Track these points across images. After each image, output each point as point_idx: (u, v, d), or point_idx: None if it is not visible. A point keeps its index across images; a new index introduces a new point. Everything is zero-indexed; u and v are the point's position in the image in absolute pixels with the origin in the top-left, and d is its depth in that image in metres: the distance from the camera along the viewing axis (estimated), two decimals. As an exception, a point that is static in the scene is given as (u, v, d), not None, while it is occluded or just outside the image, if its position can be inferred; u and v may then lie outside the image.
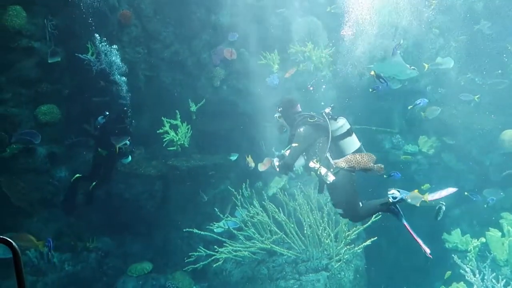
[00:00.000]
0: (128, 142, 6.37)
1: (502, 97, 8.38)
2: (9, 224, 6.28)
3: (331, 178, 4.23)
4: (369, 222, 6.25)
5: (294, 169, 4.40)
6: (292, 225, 6.33)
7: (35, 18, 6.53)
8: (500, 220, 7.42)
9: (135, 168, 7.46)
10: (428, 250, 4.42)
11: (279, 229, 6.34)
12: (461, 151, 8.56)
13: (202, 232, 6.63)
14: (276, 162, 4.50)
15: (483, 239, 7.16)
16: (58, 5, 6.71)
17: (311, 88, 4.46)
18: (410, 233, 4.52)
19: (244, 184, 7.08)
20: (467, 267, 6.32)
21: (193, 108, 7.81)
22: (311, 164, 4.31)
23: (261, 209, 6.58)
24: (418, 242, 4.49)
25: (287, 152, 4.40)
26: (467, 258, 6.90)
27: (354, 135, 4.52)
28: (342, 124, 4.41)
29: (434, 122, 8.47)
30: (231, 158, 7.49)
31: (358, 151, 4.48)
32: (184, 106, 7.76)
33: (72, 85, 7.07)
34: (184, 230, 6.84)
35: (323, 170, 4.25)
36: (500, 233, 7.11)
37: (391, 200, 4.43)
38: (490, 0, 8.69)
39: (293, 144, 4.29)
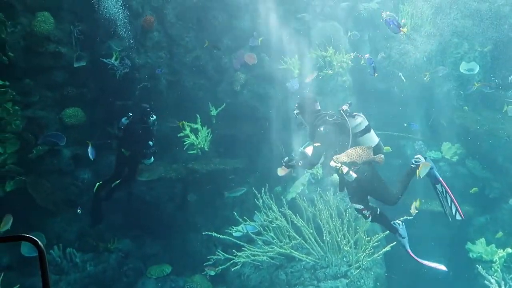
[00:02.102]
0: (151, 143, 6.47)
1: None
2: (35, 224, 6.46)
3: (353, 175, 4.23)
4: (388, 231, 6.14)
5: (315, 166, 4.47)
6: (311, 231, 6.28)
7: (62, 24, 6.73)
8: (527, 230, 7.19)
9: (155, 170, 7.55)
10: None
11: (298, 235, 6.30)
12: (485, 159, 8.34)
13: (221, 236, 6.66)
14: (298, 162, 4.53)
15: (509, 250, 6.94)
16: (84, 11, 6.91)
17: (346, 107, 4.50)
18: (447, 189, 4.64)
19: (263, 188, 7.08)
20: (492, 278, 6.14)
21: (214, 112, 7.87)
22: (332, 163, 4.31)
23: (280, 214, 6.56)
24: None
25: (307, 150, 4.42)
26: (492, 269, 6.69)
27: (372, 131, 4.54)
28: (361, 121, 4.43)
29: (457, 129, 8.30)
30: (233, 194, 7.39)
31: (378, 147, 4.52)
32: (204, 110, 7.83)
33: (96, 89, 7.25)
34: (203, 233, 6.88)
35: (344, 169, 4.24)
36: (527, 244, 6.89)
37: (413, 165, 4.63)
38: (518, 4, 8.48)
39: (315, 144, 4.31)
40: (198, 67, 8.08)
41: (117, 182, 6.51)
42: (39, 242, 1.44)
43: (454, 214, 4.68)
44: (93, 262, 6.92)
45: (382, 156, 4.44)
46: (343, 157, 4.26)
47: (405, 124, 8.11)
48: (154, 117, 6.47)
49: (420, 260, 4.86)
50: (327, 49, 7.95)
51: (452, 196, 4.67)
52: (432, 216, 7.75)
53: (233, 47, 8.22)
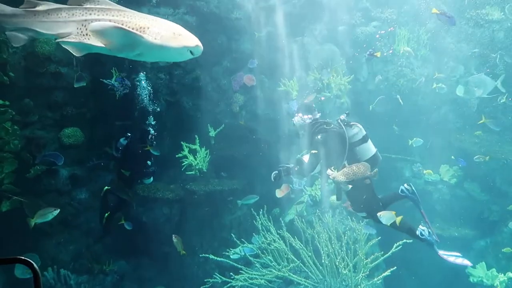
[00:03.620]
0: (149, 163, 6.46)
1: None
2: (30, 245, 6.36)
3: (349, 185, 4.26)
4: (389, 253, 6.08)
5: (311, 174, 4.50)
6: (310, 254, 6.20)
7: (64, 45, 6.80)
8: (528, 254, 7.12)
9: (153, 191, 7.51)
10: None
11: (296, 257, 6.22)
12: (484, 181, 8.34)
13: (218, 258, 6.57)
14: (294, 167, 4.56)
15: (510, 274, 6.85)
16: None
17: (343, 117, 4.61)
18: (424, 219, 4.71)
19: (261, 210, 7.03)
20: (493, 303, 6.04)
21: (212, 133, 7.89)
22: (329, 172, 4.33)
23: (278, 236, 6.49)
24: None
25: (305, 158, 4.44)
26: (493, 293, 6.61)
27: (370, 141, 4.57)
28: (358, 130, 4.46)
29: (455, 151, 8.32)
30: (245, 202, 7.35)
31: (374, 157, 4.55)
32: (203, 131, 7.85)
33: (96, 109, 7.27)
34: (201, 255, 6.79)
35: (339, 177, 4.29)
36: (528, 268, 6.81)
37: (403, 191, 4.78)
38: (511, 29, 8.65)
39: (312, 151, 4.33)
40: (197, 88, 8.15)
41: (106, 215, 6.37)
42: (34, 265, 1.42)
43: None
44: (88, 284, 6.79)
45: (376, 170, 4.47)
46: (340, 175, 4.29)
47: (452, 157, 7.98)
48: (152, 131, 6.50)
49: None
50: (327, 71, 8.04)
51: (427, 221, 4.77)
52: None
53: (232, 69, 8.32)
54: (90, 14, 3.14)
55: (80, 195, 7.06)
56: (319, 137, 4.41)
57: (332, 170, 4.33)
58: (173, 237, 6.08)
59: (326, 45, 8.56)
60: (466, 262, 4.79)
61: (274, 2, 8.32)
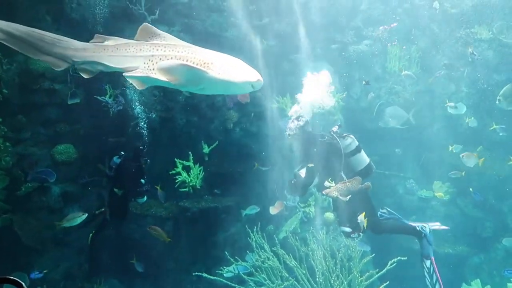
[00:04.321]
0: (143, 181, 6.42)
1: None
2: (20, 263, 6.25)
3: (345, 197, 4.27)
4: (383, 270, 6.05)
5: (310, 187, 4.50)
6: (304, 272, 6.15)
7: (58, 62, 6.82)
8: (522, 271, 7.11)
9: (146, 209, 7.45)
10: None
11: (291, 275, 6.15)
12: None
13: (211, 277, 6.48)
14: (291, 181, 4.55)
15: (505, 291, 6.84)
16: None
17: (336, 129, 4.66)
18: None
19: (255, 227, 6.98)
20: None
21: (206, 149, 7.88)
22: (326, 184, 4.34)
23: (272, 253, 6.43)
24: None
25: (301, 172, 4.43)
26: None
27: (363, 152, 4.61)
28: (351, 141, 4.51)
29: (448, 167, 8.38)
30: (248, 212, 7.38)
31: (368, 167, 4.58)
32: (197, 148, 7.84)
33: (89, 126, 7.26)
34: (194, 273, 6.69)
35: (332, 192, 4.30)
36: (522, 285, 6.79)
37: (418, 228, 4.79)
38: (499, 47, 8.84)
39: (309, 165, 4.34)
40: (191, 105, 8.18)
41: (93, 232, 6.33)
42: (24, 285, 1.41)
43: None
44: (78, 304, 6.66)
45: (369, 183, 4.49)
46: (333, 191, 4.31)
47: (470, 189, 8.06)
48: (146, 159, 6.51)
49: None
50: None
51: (438, 275, 4.73)
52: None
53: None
54: (157, 49, 3.26)
55: (71, 212, 6.97)
56: (314, 150, 4.44)
57: (329, 182, 4.35)
58: (149, 229, 6.00)
59: (319, 62, 8.67)
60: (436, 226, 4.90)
61: (267, 21, 8.45)
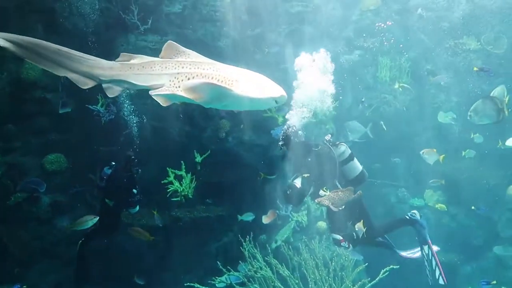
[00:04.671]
0: (135, 191, 6.36)
1: (506, 153, 8.40)
2: (8, 275, 6.14)
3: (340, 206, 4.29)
4: (376, 279, 6.05)
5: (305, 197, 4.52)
6: (297, 281, 6.12)
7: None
8: (513, 279, 7.17)
9: (137, 219, 7.38)
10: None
11: (283, 285, 6.12)
12: (468, 206, 8.45)
13: (203, 287, 6.42)
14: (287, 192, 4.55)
15: (497, 299, 6.87)
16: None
17: (328, 138, 4.69)
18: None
19: (248, 236, 6.96)
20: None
21: (198, 159, 7.85)
22: (321, 193, 4.34)
23: (264, 263, 6.40)
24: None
25: (296, 182, 4.42)
26: (481, 319, 6.58)
27: (355, 159, 4.63)
28: (344, 149, 4.54)
29: (439, 176, 8.44)
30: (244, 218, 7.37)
31: (361, 174, 4.60)
32: (189, 157, 7.81)
33: (81, 135, 7.20)
34: (186, 284, 6.63)
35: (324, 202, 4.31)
36: (513, 293, 6.83)
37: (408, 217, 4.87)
38: (487, 58, 9.00)
39: (304, 175, 4.34)
40: (183, 114, 8.17)
41: (80, 242, 6.19)
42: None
43: (437, 277, 4.79)
44: (67, 317, 6.54)
45: (360, 192, 4.52)
46: (325, 200, 4.31)
47: (473, 207, 8.09)
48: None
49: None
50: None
51: (438, 260, 4.77)
52: (420, 264, 7.68)
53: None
54: (182, 67, 3.30)
55: (61, 223, 6.88)
56: (309, 160, 4.45)
57: (324, 191, 4.35)
58: (130, 231, 5.95)
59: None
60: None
61: (259, 31, 8.51)
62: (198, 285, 6.42)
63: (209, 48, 8.21)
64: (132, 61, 3.39)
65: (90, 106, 7.02)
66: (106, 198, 6.26)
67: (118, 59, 3.40)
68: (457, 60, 9.07)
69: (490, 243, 7.95)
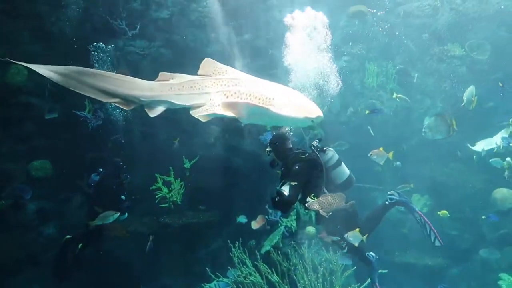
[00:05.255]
0: (123, 197, 6.30)
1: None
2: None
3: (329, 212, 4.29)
4: (365, 284, 6.08)
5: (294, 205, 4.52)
6: (286, 287, 6.11)
7: (36, 76, 6.70)
8: (498, 282, 7.26)
9: (126, 225, 7.29)
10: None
11: (273, 290, 6.11)
12: (454, 210, 8.55)
13: (192, 294, 6.38)
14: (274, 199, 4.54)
15: (483, 302, 6.96)
16: (59, 65, 6.94)
17: (316, 143, 4.71)
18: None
19: (237, 242, 6.93)
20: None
21: (187, 164, 7.83)
22: (309, 199, 4.34)
23: (253, 269, 6.38)
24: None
25: (284, 190, 4.39)
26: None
27: (343, 164, 4.65)
28: (332, 154, 4.55)
29: (426, 180, 8.54)
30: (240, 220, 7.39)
31: (349, 179, 4.61)
32: (178, 163, 7.78)
33: (67, 141, 7.13)
34: (174, 291, 6.58)
35: (314, 206, 4.31)
36: (499, 295, 6.93)
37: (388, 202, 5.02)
38: (472, 64, 9.18)
39: (292, 183, 4.31)
40: (172, 120, 8.14)
41: (81, 245, 6.13)
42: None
43: (433, 241, 4.93)
44: (54, 326, 6.42)
45: (353, 202, 4.51)
46: (315, 205, 4.31)
47: (483, 217, 8.11)
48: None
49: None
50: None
51: (430, 224, 4.94)
52: (407, 268, 7.76)
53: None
54: (221, 85, 3.38)
55: (48, 230, 6.79)
56: (296, 167, 4.42)
57: (311, 198, 4.34)
58: (107, 227, 5.93)
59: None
60: None
61: (248, 37, 8.56)
62: (187, 292, 6.38)
63: (198, 54, 8.22)
64: (171, 81, 3.45)
65: (77, 112, 6.96)
66: (95, 205, 6.19)
67: (158, 78, 3.47)
68: (442, 67, 9.23)
69: (477, 246, 8.06)
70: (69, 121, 7.02)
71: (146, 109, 3.47)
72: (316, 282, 6.06)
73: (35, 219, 6.64)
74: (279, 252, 6.67)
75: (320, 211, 4.31)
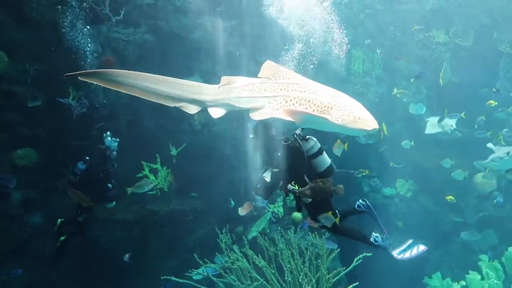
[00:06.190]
0: (110, 186, 6.28)
1: (468, 141, 8.74)
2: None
3: (309, 199, 4.36)
4: (350, 267, 6.21)
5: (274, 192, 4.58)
6: (273, 271, 6.21)
7: (17, 63, 6.58)
8: (478, 263, 7.49)
9: (112, 213, 7.29)
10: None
11: (260, 275, 6.20)
12: (437, 195, 8.75)
13: (180, 280, 6.43)
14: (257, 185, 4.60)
15: (463, 282, 7.17)
16: (41, 51, 6.81)
17: (299, 132, 4.75)
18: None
19: (224, 228, 7.00)
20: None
21: (174, 152, 7.82)
22: (290, 187, 4.41)
23: (241, 254, 6.46)
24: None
25: (266, 176, 4.47)
26: (449, 302, 6.88)
27: (324, 153, 4.72)
28: (314, 143, 4.60)
29: (410, 166, 8.70)
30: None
31: (330, 168, 4.68)
32: (165, 150, 7.76)
33: (51, 129, 7.03)
34: (162, 277, 6.62)
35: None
36: (479, 276, 7.15)
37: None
38: (456, 51, 9.30)
39: (274, 170, 4.39)
40: (158, 107, 8.06)
41: (63, 238, 6.10)
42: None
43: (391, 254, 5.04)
44: (41, 315, 6.43)
45: (341, 186, 4.60)
46: (306, 191, 4.38)
47: (495, 201, 8.32)
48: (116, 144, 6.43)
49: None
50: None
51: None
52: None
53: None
54: (281, 89, 3.48)
55: (33, 219, 6.73)
56: (278, 154, 4.48)
57: (292, 185, 4.40)
58: (70, 193, 5.98)
59: (285, 65, 8.78)
60: (422, 247, 5.13)
61: (235, 22, 8.49)
62: (175, 278, 6.43)
63: (183, 40, 8.15)
64: (233, 84, 3.60)
65: (61, 99, 6.84)
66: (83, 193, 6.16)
67: (221, 83, 3.59)
68: (427, 53, 9.33)
69: (458, 229, 8.28)
70: (53, 109, 6.90)
71: (209, 112, 3.64)
72: (302, 266, 6.18)
73: (20, 208, 6.57)
74: (266, 237, 6.76)
75: (307, 196, 4.39)
